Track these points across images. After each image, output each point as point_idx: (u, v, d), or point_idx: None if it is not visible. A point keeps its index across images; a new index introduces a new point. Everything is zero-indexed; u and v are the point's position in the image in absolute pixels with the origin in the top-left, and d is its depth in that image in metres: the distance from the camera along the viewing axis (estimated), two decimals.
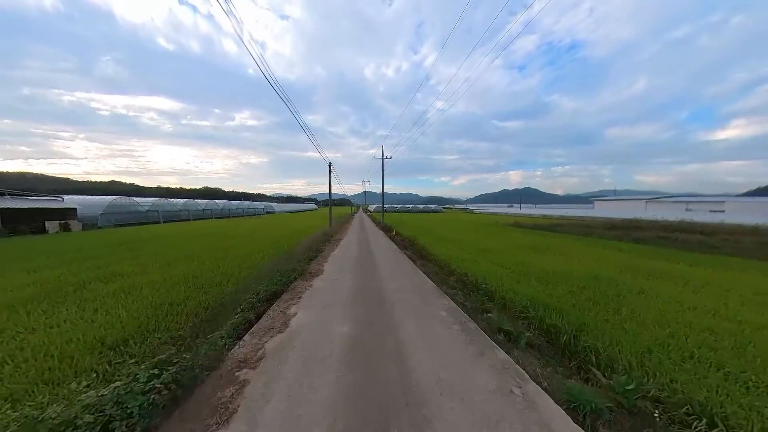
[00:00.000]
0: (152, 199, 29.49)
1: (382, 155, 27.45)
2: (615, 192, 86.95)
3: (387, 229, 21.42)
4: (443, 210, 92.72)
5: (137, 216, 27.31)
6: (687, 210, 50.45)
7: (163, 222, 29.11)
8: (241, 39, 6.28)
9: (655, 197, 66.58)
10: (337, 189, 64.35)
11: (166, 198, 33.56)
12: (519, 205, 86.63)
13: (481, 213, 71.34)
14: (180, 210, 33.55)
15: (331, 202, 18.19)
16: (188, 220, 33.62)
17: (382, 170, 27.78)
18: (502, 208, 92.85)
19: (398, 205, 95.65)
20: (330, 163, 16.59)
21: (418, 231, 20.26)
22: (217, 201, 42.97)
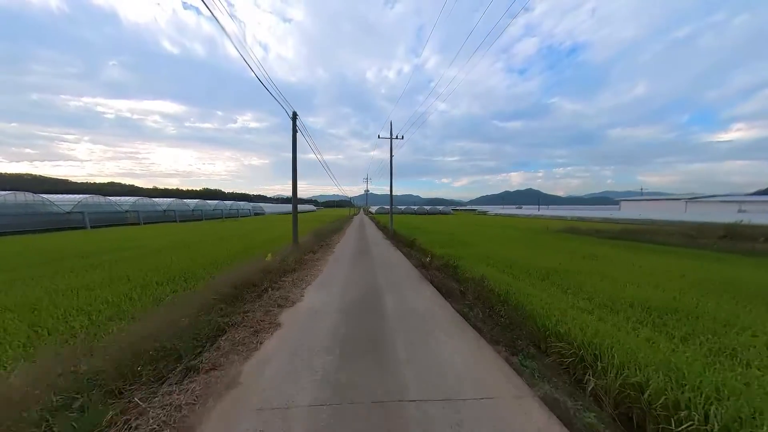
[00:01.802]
0: (78, 196, 21.88)
1: (390, 135, 19.76)
2: (641, 192, 78.96)
3: (403, 242, 13.81)
4: (452, 211, 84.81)
5: (51, 219, 19.75)
6: (740, 211, 42.93)
7: (92, 227, 21.49)
8: (235, 45, 5.91)
9: (694, 197, 58.49)
10: (336, 191, 57.07)
11: (105, 197, 26.02)
12: (537, 206, 78.48)
13: (496, 215, 63.35)
14: (126, 212, 25.93)
15: (296, 195, 10.20)
16: (137, 223, 26.07)
17: (391, 155, 20.04)
18: (510, 209, 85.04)
19: (402, 207, 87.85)
20: (294, 113, 8.83)
21: (457, 247, 12.47)
22: (187, 201, 35.35)
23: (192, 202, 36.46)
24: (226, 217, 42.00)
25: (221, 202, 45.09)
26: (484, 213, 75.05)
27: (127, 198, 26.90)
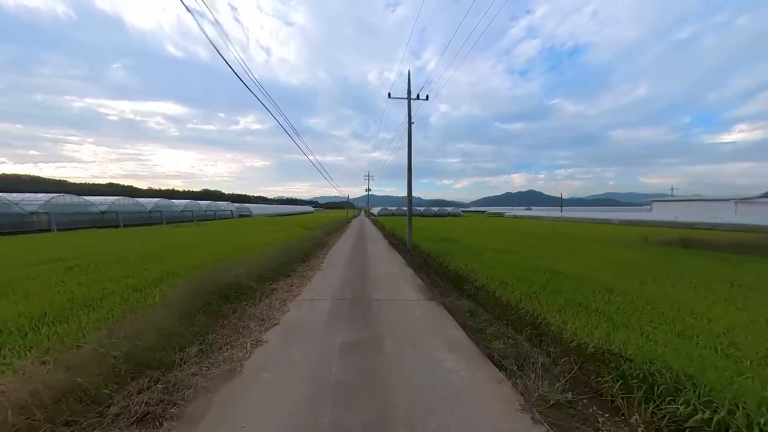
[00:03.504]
0: None
1: (408, 92, 12.29)
2: (672, 193, 71.39)
3: (465, 291, 5.14)
4: (462, 213, 76.98)
5: None
6: None
7: None
8: (221, 54, 5.54)
9: (744, 198, 50.58)
10: (336, 192, 51.42)
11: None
12: (560, 208, 70.57)
13: (515, 217, 55.63)
14: (32, 213, 18.49)
15: None
16: (48, 230, 18.70)
17: (409, 123, 12.58)
18: (519, 211, 77.77)
19: (405, 208, 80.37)
20: None
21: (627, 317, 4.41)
22: (141, 200, 27.81)
23: (150, 202, 28.95)
24: (198, 220, 34.61)
25: (193, 201, 37.52)
26: (500, 215, 67.18)
27: (34, 195, 19.40)
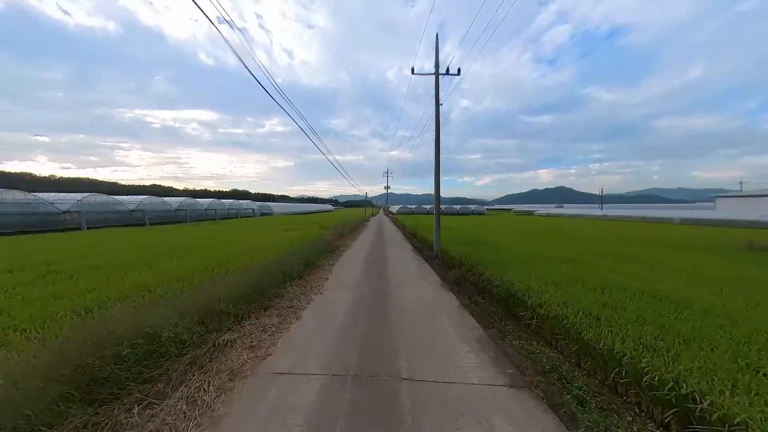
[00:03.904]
0: None
1: (436, 60, 10.26)
2: (741, 188, 61.70)
3: None
4: (486, 211, 72.68)
5: None
6: None
7: None
8: (245, 65, 6.43)
9: None
10: (355, 191, 51.31)
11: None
12: (599, 205, 63.95)
13: (547, 216, 50.84)
14: (63, 213, 18.89)
15: None
16: (79, 228, 19.00)
17: (437, 104, 10.59)
18: (548, 208, 71.61)
19: (427, 206, 77.46)
20: None
21: None
22: (166, 199, 28.37)
23: (176, 201, 29.51)
24: (220, 219, 35.11)
25: (216, 200, 38.21)
26: (530, 213, 62.21)
27: (69, 195, 19.68)
